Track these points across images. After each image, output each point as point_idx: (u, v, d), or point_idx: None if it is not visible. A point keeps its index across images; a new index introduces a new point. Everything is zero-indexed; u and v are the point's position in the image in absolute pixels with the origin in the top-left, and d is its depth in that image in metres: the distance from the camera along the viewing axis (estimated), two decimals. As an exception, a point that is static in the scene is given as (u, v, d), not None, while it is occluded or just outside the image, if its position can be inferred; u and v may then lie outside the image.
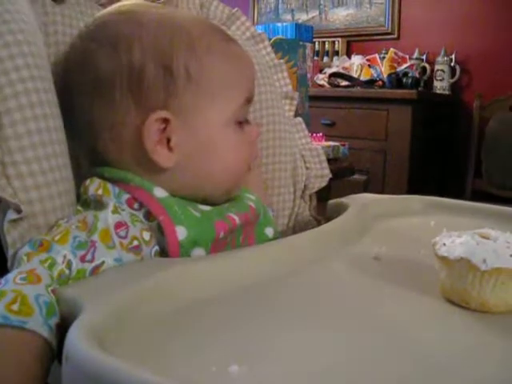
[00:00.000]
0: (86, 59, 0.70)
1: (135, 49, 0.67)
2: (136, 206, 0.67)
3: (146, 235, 0.65)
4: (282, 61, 1.08)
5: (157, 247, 0.66)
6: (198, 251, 0.67)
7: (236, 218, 0.72)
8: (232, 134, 0.72)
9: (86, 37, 0.72)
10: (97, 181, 0.68)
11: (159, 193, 0.67)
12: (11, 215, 0.60)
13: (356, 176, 2.73)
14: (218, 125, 0.71)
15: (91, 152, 0.73)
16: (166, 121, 0.68)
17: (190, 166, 0.70)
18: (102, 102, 0.69)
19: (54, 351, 0.51)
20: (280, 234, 0.83)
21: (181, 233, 0.65)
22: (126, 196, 0.67)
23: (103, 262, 0.60)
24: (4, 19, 0.64)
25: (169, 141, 0.68)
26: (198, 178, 0.71)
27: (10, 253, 0.60)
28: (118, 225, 0.63)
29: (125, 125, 0.68)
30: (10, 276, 0.54)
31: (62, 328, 0.51)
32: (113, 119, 0.68)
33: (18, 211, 0.61)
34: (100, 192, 0.67)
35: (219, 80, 0.71)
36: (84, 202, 0.68)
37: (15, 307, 0.51)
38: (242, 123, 0.74)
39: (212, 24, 0.78)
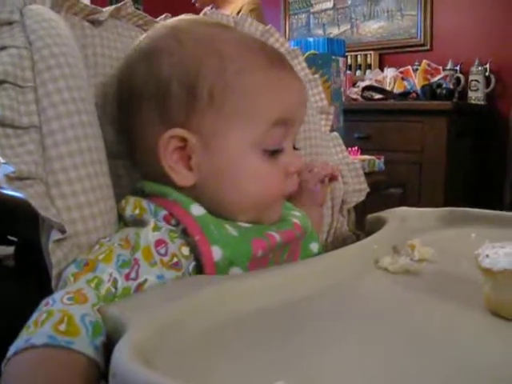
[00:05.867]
0: (127, 69, 0.72)
1: (164, 64, 0.68)
2: (173, 222, 0.66)
3: (185, 250, 0.65)
4: (316, 76, 1.08)
5: (194, 262, 0.65)
6: (235, 270, 0.65)
7: (276, 235, 0.70)
8: (257, 163, 0.69)
9: (134, 47, 0.74)
10: (131, 200, 0.69)
11: (196, 210, 0.66)
12: (55, 235, 0.62)
13: (391, 189, 2.71)
14: (240, 150, 0.68)
15: (131, 165, 0.74)
16: (184, 139, 0.67)
17: (207, 188, 0.68)
18: (133, 112, 0.70)
19: (100, 370, 0.52)
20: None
21: (216, 253, 0.64)
22: (162, 212, 0.66)
23: (146, 280, 0.60)
24: (46, 43, 0.66)
25: (190, 159, 0.68)
26: (215, 203, 0.68)
27: (54, 272, 0.61)
28: (158, 242, 0.63)
29: (152, 137, 0.68)
30: (57, 296, 0.55)
31: (108, 345, 0.52)
32: (143, 130, 0.69)
33: (62, 231, 0.62)
34: (137, 212, 0.67)
35: (245, 105, 0.68)
36: (125, 221, 0.69)
37: (62, 327, 0.52)
38: (275, 152, 0.70)
39: (258, 47, 0.72)
